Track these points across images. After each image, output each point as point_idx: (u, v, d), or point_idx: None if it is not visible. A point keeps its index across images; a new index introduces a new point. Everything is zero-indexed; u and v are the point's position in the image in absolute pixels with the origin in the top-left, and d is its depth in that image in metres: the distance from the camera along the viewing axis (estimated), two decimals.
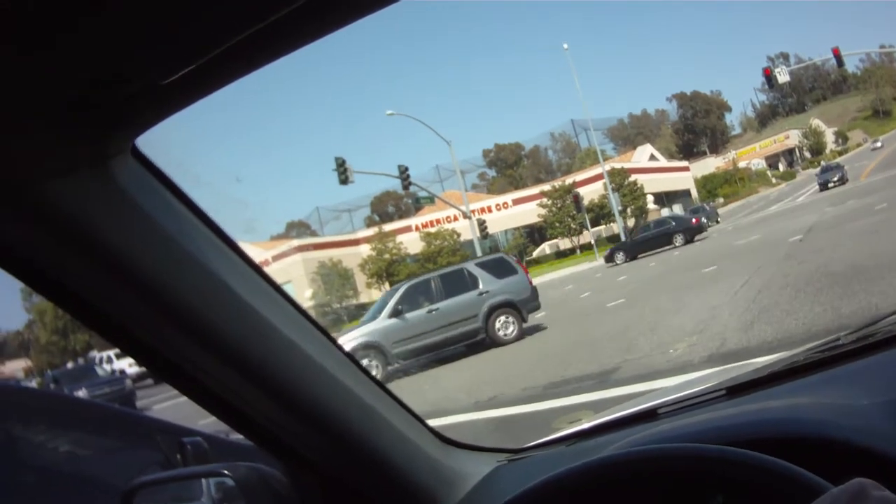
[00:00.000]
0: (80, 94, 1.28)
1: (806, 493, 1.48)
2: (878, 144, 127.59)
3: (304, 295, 76.95)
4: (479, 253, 63.92)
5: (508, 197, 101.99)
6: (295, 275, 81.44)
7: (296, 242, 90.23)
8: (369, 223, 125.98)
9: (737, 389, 2.67)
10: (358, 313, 77.09)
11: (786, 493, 1.58)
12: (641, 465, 1.86)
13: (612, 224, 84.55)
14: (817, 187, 71.29)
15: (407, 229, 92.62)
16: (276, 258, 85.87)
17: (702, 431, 2.13)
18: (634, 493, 1.88)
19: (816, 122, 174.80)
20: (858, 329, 2.77)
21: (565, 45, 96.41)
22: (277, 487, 2.38)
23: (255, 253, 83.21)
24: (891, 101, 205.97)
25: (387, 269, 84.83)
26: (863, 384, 2.25)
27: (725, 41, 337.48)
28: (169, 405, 27.50)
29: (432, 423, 2.54)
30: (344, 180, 52.75)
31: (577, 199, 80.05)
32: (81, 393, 34.02)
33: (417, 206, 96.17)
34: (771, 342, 12.50)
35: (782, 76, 58.92)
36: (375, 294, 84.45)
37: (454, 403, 15.37)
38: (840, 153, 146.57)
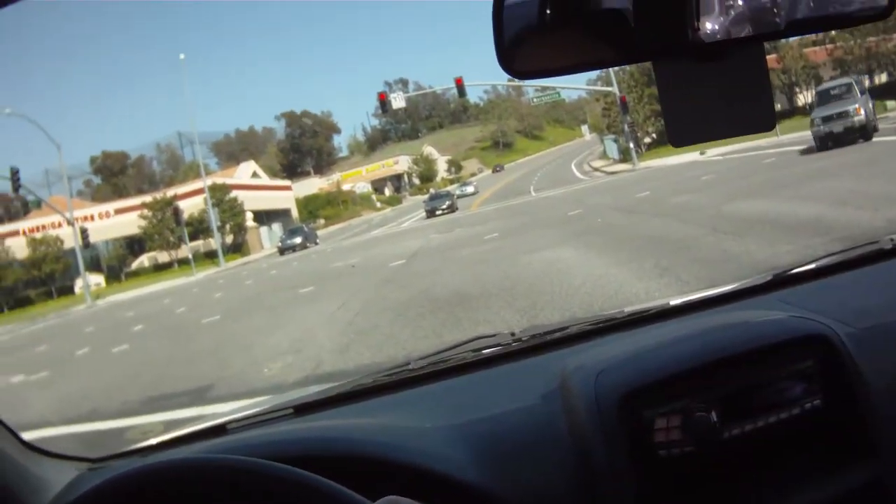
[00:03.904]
0: None
1: None
2: (470, 189, 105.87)
3: None
4: (80, 262, 62.75)
5: (111, 206, 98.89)
6: None
7: None
8: None
9: (304, 408, 2.79)
10: None
11: None
12: (177, 472, 1.83)
13: (210, 239, 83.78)
14: (425, 214, 71.28)
15: (15, 233, 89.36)
16: None
17: (265, 444, 2.19)
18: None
19: (429, 149, 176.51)
20: (430, 355, 2.87)
21: (181, 56, 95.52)
22: None
23: None
24: (514, 133, 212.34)
25: None
26: (427, 408, 2.36)
27: (345, 64, 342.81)
28: None
29: (32, 434, 2.51)
30: None
31: (176, 213, 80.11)
32: None
33: (26, 209, 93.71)
34: (369, 365, 12.34)
35: (398, 101, 60.07)
36: None
37: (56, 415, 14.85)
38: (452, 181, 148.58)
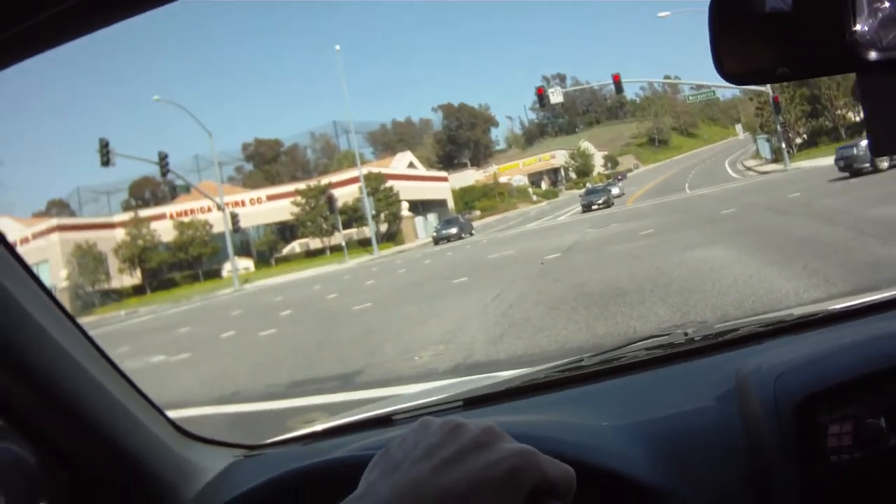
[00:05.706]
0: None
1: None
2: (615, 191, 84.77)
3: (59, 276, 75.68)
4: (229, 246, 63.53)
5: (263, 192, 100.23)
6: (52, 255, 79.43)
7: (55, 221, 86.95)
8: (126, 207, 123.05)
9: (473, 401, 2.77)
10: (109, 299, 75.81)
11: None
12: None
13: (364, 227, 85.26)
14: (580, 208, 71.24)
15: (162, 216, 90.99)
16: (35, 236, 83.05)
17: None
18: None
19: (586, 145, 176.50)
20: (602, 352, 2.87)
21: (337, 47, 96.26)
22: (27, 470, 2.33)
23: (16, 229, 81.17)
24: (669, 130, 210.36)
25: (139, 255, 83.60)
26: (601, 406, 2.34)
27: (503, 59, 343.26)
28: None
29: (173, 414, 2.53)
30: (106, 162, 52.08)
31: (330, 200, 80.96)
32: None
33: (173, 193, 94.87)
34: (521, 356, 12.45)
35: (555, 96, 59.50)
36: (127, 280, 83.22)
37: (197, 396, 15.05)
38: (608, 176, 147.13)
